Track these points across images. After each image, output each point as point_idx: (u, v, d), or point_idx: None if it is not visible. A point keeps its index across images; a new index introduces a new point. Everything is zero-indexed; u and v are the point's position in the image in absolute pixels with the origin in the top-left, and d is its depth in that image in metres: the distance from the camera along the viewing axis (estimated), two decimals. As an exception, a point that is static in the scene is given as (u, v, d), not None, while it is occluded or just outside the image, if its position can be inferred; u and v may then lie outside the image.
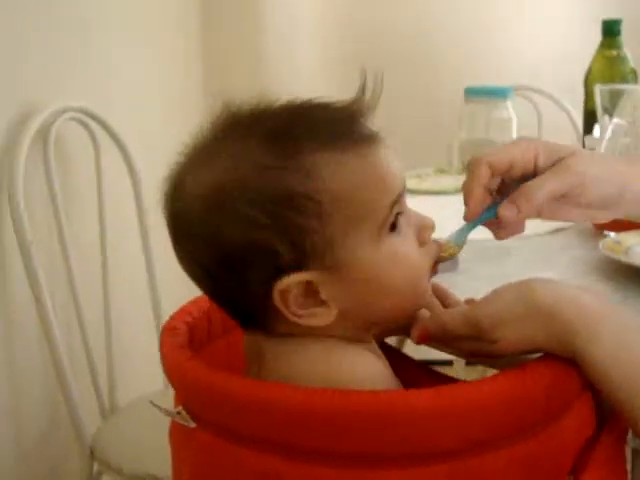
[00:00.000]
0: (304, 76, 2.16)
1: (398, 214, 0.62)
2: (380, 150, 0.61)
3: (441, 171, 1.72)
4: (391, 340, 0.86)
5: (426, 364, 0.79)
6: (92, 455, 1.36)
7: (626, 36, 1.40)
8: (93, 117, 1.47)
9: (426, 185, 1.56)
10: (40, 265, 1.29)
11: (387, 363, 0.65)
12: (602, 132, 1.10)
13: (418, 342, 0.67)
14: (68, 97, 1.44)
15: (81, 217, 1.52)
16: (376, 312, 0.62)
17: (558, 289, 0.61)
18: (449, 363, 1.71)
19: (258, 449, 0.56)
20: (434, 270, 0.66)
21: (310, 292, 0.59)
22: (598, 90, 1.18)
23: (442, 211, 1.37)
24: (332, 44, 2.25)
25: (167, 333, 0.65)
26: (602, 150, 1.05)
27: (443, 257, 0.68)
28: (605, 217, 0.75)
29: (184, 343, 0.64)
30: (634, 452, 1.04)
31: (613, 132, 1.03)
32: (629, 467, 1.03)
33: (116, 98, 1.60)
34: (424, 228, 0.64)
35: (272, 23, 2.17)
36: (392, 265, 0.61)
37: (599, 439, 0.61)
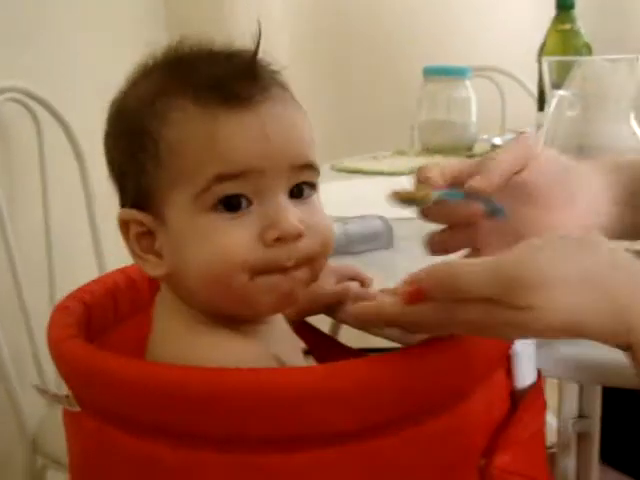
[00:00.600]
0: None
1: (240, 196, 0.55)
2: (241, 117, 0.55)
3: (400, 153, 1.69)
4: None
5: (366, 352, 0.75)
6: (34, 446, 1.32)
7: (580, 9, 1.37)
8: (34, 97, 1.42)
9: (381, 166, 1.52)
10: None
11: (282, 350, 0.60)
12: (549, 106, 1.06)
13: (409, 303, 0.50)
14: (6, 77, 1.39)
15: (24, 200, 1.47)
16: (192, 287, 0.57)
17: (628, 259, 0.48)
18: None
19: (139, 434, 0.52)
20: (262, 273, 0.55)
21: (148, 237, 0.58)
22: (546, 63, 1.14)
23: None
24: (297, 20, 2.19)
25: (57, 312, 0.61)
26: (546, 125, 1.01)
27: (416, 198, 0.61)
28: (562, 220, 0.66)
29: (73, 322, 0.60)
30: (580, 435, 1.02)
31: (557, 104, 0.99)
32: (574, 451, 1.00)
33: (58, 78, 1.54)
34: (270, 227, 0.55)
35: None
36: (199, 244, 0.55)
37: (513, 418, 0.57)
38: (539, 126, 1.30)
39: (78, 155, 1.49)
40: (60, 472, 1.30)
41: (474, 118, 1.66)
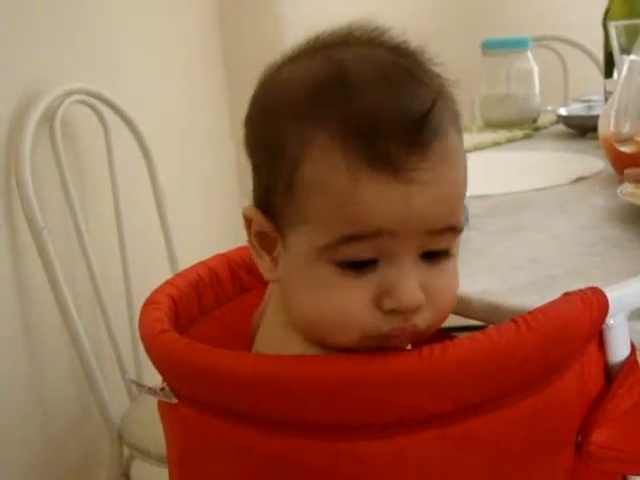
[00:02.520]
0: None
1: (368, 262, 0.51)
2: (385, 181, 0.49)
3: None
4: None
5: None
6: (120, 438, 1.36)
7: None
8: (100, 99, 1.45)
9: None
10: (55, 251, 1.28)
11: None
12: (619, 72, 1.03)
13: None
14: (74, 79, 1.42)
15: (95, 200, 1.50)
16: (293, 316, 0.56)
17: None
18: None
19: (237, 423, 0.52)
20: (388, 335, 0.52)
21: (270, 238, 0.56)
22: (613, 28, 1.11)
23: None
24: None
25: (147, 307, 0.62)
26: (618, 91, 0.99)
27: None
28: None
29: (164, 317, 0.61)
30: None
31: (628, 70, 0.97)
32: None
33: (123, 79, 1.57)
34: (388, 295, 0.51)
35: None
36: (312, 291, 0.53)
37: (609, 394, 0.56)
38: (607, 93, 1.27)
39: (146, 154, 1.52)
40: (145, 462, 1.33)
41: (537, 90, 1.63)
